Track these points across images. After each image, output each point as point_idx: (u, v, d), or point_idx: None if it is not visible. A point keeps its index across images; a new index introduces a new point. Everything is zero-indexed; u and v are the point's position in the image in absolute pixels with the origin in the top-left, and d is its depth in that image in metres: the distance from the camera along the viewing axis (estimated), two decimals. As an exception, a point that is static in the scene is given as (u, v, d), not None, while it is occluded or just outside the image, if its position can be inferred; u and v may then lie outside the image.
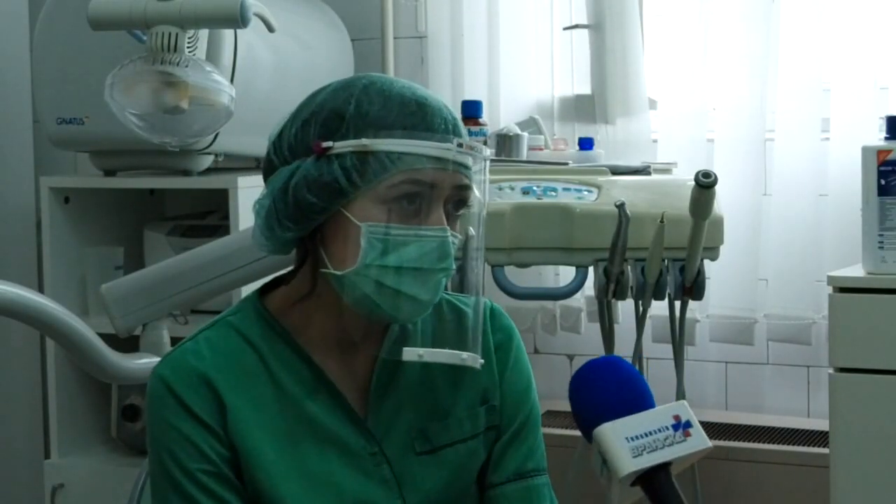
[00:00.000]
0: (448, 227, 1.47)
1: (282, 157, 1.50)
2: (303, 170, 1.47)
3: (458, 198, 1.49)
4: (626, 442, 1.36)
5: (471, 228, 1.53)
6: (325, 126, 1.47)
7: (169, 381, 1.50)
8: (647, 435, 1.37)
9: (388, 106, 1.46)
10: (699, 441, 1.38)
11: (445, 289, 1.55)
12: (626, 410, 1.39)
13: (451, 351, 1.50)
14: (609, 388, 1.42)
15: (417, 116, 1.47)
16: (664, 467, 1.37)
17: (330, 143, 1.46)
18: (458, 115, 1.52)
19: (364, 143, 1.45)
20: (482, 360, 1.49)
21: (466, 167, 1.48)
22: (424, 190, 1.45)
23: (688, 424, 1.39)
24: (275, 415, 1.51)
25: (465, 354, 1.49)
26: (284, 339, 1.54)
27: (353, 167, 1.45)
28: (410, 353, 1.48)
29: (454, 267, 1.48)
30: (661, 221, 2.42)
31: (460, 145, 1.46)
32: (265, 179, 1.53)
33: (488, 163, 1.50)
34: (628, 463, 1.35)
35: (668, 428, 1.38)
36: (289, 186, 1.47)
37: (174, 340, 2.25)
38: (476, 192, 1.50)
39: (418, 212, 1.46)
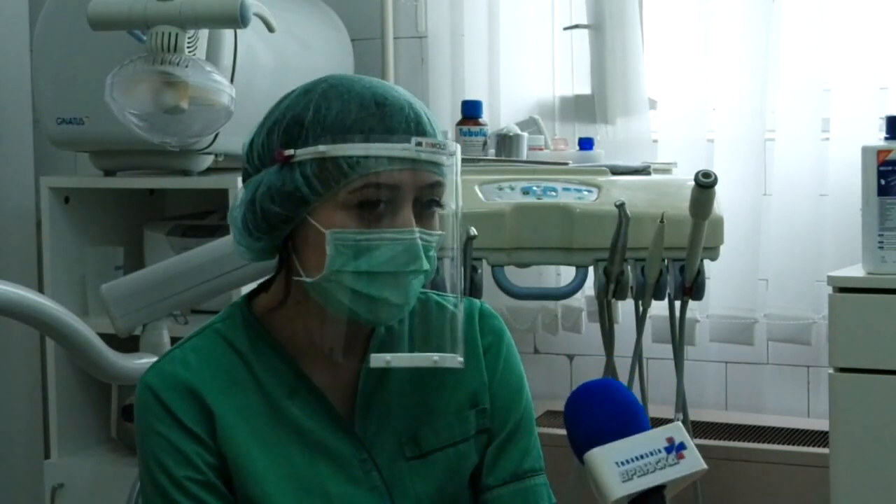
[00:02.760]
0: (416, 229, 1.45)
1: (253, 165, 1.50)
2: (267, 179, 1.46)
3: (429, 196, 1.46)
4: (616, 466, 1.34)
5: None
6: (286, 133, 1.46)
7: (156, 390, 1.50)
8: (638, 459, 1.35)
9: (346, 109, 1.44)
10: (693, 463, 1.37)
11: (433, 288, 1.54)
12: (618, 434, 1.37)
13: (422, 354, 1.48)
14: (602, 412, 1.40)
15: (376, 118, 1.44)
16: (658, 491, 1.36)
17: (291, 152, 1.45)
18: (425, 111, 1.48)
19: (321, 150, 1.43)
20: (461, 359, 1.46)
21: (434, 164, 1.45)
22: (388, 192, 1.43)
23: (681, 446, 1.37)
24: (263, 422, 1.51)
25: (436, 356, 1.46)
26: (270, 346, 1.53)
27: (314, 174, 1.43)
28: (378, 360, 1.46)
29: (427, 267, 1.46)
30: (661, 221, 2.42)
31: (419, 144, 1.43)
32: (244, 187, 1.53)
33: (459, 157, 1.47)
34: (617, 488, 1.34)
35: (660, 451, 1.36)
36: (255, 197, 1.47)
37: (174, 340, 2.25)
38: (449, 187, 1.47)
39: (384, 214, 1.44)
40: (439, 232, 1.48)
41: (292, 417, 1.52)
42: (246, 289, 2.25)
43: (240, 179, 1.45)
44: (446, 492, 1.56)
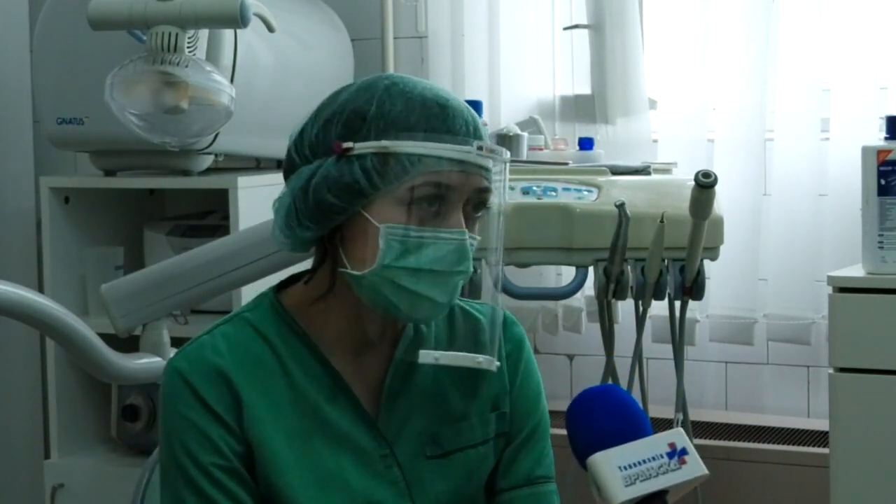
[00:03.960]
0: (467, 230, 1.47)
1: (303, 156, 1.50)
2: (323, 170, 1.47)
3: (478, 200, 1.49)
4: (619, 471, 1.35)
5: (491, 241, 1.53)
6: (346, 126, 1.47)
7: (185, 374, 1.50)
8: (640, 463, 1.36)
9: (409, 107, 1.46)
10: (695, 469, 1.37)
11: (461, 293, 1.56)
12: (620, 439, 1.38)
13: (466, 354, 1.51)
14: (604, 418, 1.41)
15: (439, 118, 1.47)
16: (660, 496, 1.36)
17: (351, 144, 1.46)
18: (478, 116, 1.51)
19: (385, 145, 1.45)
20: (498, 363, 1.50)
21: (487, 169, 1.48)
22: (444, 192, 1.46)
23: (683, 452, 1.38)
24: (289, 412, 1.51)
25: (480, 357, 1.50)
26: (300, 337, 1.54)
27: (374, 168, 1.45)
28: (427, 356, 1.49)
29: (472, 269, 1.49)
30: (661, 221, 2.42)
31: (480, 148, 1.46)
32: (285, 178, 1.53)
33: (508, 165, 1.50)
34: (620, 492, 1.34)
35: (662, 456, 1.37)
36: (309, 186, 1.47)
37: (174, 340, 2.25)
38: (495, 194, 1.50)
39: (438, 213, 1.46)
40: (478, 237, 1.50)
41: (313, 403, 1.52)
42: (251, 287, 2.26)
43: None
44: (463, 492, 1.57)
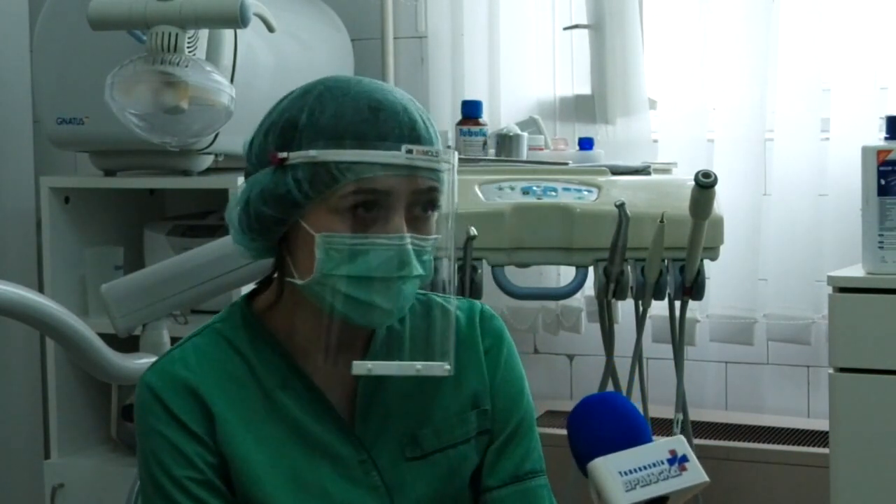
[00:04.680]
0: (408, 234, 1.45)
1: (252, 164, 1.51)
2: (261, 181, 1.47)
3: (426, 199, 1.47)
4: (620, 476, 1.35)
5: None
6: (281, 136, 1.47)
7: (156, 389, 1.50)
8: (640, 469, 1.36)
9: (340, 113, 1.45)
10: (695, 475, 1.37)
11: (433, 289, 1.54)
12: (621, 445, 1.38)
13: (402, 363, 1.49)
14: (605, 424, 1.41)
15: (369, 123, 1.44)
16: (660, 502, 1.36)
17: (285, 154, 1.45)
18: (421, 115, 1.48)
19: (312, 155, 1.44)
20: (448, 367, 1.46)
21: (431, 170, 1.45)
22: (380, 198, 1.44)
23: (684, 459, 1.38)
24: (263, 422, 1.51)
25: (419, 365, 1.47)
26: (271, 345, 1.54)
27: (305, 178, 1.44)
28: (360, 367, 1.47)
29: (421, 272, 1.46)
30: (661, 221, 2.42)
31: (410, 152, 1.44)
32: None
33: (455, 164, 1.48)
34: (621, 497, 1.34)
35: (663, 462, 1.37)
36: (249, 198, 1.47)
37: (174, 340, 2.25)
38: (444, 192, 1.47)
39: (375, 220, 1.44)
40: (433, 236, 1.48)
41: (288, 412, 1.52)
42: (246, 289, 2.25)
43: (240, 179, 1.45)
44: (446, 493, 1.56)
